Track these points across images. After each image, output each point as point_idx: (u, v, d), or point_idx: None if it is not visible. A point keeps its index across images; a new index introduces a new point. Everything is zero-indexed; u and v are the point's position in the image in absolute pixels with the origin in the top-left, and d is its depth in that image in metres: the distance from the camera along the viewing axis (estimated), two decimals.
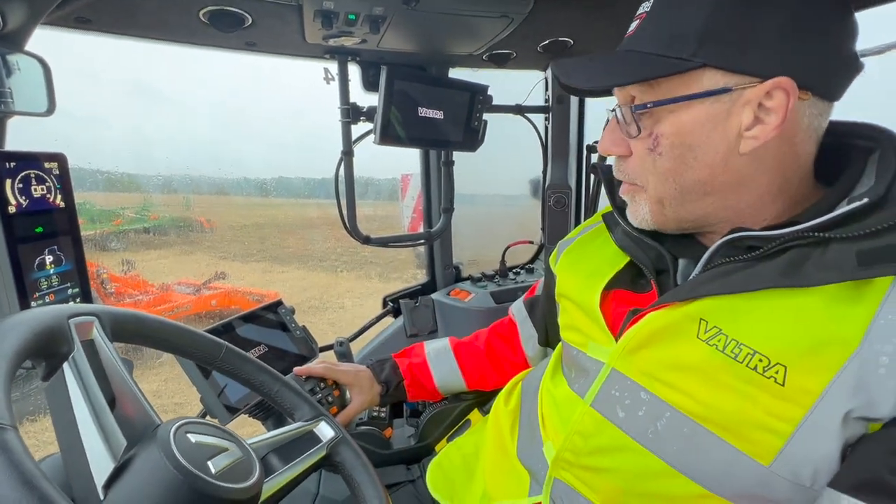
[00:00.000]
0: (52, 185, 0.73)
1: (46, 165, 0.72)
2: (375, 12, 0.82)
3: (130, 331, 0.45)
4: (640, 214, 0.52)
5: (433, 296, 1.40)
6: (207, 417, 0.80)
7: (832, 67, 0.44)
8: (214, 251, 7.83)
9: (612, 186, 0.61)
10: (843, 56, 0.44)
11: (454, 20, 0.89)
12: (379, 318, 1.43)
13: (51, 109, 0.75)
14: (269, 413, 0.87)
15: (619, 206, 0.59)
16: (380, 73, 1.00)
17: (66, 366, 0.37)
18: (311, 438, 0.54)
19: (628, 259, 0.57)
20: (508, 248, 1.44)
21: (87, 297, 0.78)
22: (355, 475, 0.52)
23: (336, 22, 0.83)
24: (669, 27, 0.45)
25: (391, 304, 1.42)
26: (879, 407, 0.36)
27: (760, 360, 0.40)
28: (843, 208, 0.41)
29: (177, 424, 0.38)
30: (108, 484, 0.34)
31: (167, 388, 3.77)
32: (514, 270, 1.50)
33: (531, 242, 1.54)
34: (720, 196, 0.47)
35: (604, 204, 1.33)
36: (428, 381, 0.86)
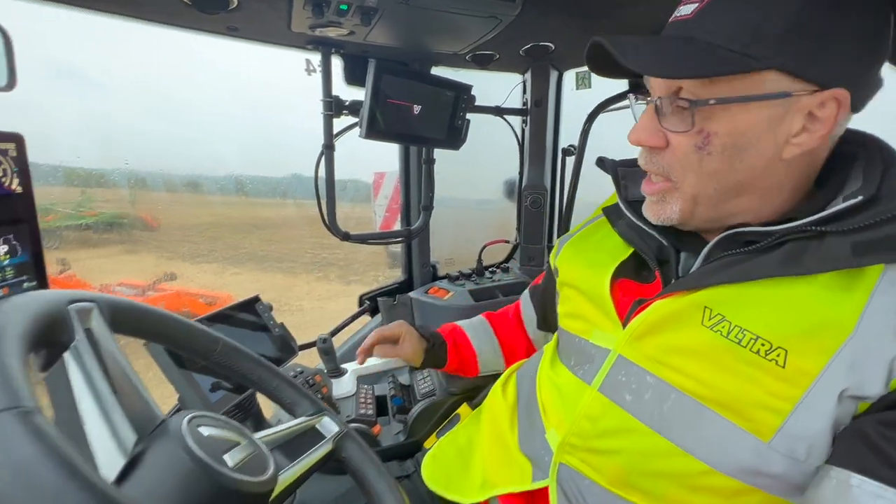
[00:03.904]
0: (7, 167, 0.67)
1: (1, 146, 0.66)
2: (368, 4, 0.81)
3: (130, 322, 0.42)
4: (666, 213, 0.51)
5: (411, 294, 1.39)
6: None
7: (873, 81, 0.45)
8: (162, 251, 7.34)
9: (619, 180, 0.63)
10: (880, 70, 0.45)
11: (444, 18, 0.89)
12: (355, 317, 1.40)
13: (11, 84, 0.68)
14: (248, 415, 0.84)
15: (626, 199, 0.61)
16: (366, 66, 0.99)
17: (67, 355, 0.34)
18: (314, 434, 0.52)
19: (631, 251, 0.59)
20: (486, 246, 1.46)
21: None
22: (364, 469, 0.51)
23: (327, 11, 0.82)
24: (748, 20, 0.42)
25: (368, 302, 1.40)
26: (870, 387, 0.40)
27: (763, 345, 0.43)
28: (840, 205, 0.44)
29: (188, 417, 0.36)
30: (118, 481, 0.32)
31: None
32: (490, 269, 1.52)
33: (507, 241, 1.57)
34: (749, 198, 0.48)
35: (579, 205, 1.37)
36: (466, 345, 0.88)
